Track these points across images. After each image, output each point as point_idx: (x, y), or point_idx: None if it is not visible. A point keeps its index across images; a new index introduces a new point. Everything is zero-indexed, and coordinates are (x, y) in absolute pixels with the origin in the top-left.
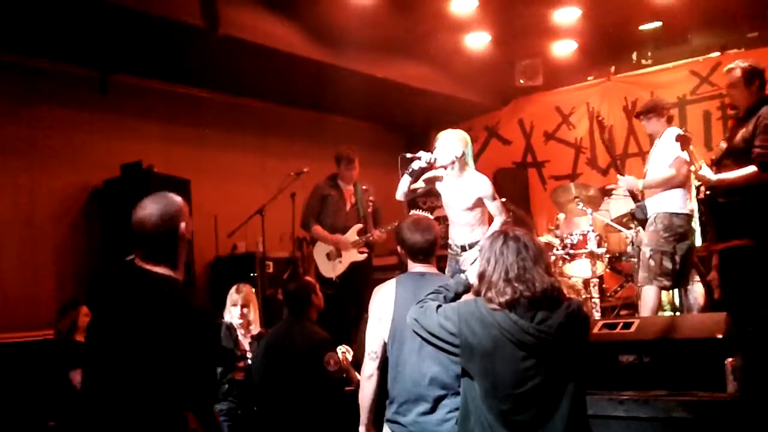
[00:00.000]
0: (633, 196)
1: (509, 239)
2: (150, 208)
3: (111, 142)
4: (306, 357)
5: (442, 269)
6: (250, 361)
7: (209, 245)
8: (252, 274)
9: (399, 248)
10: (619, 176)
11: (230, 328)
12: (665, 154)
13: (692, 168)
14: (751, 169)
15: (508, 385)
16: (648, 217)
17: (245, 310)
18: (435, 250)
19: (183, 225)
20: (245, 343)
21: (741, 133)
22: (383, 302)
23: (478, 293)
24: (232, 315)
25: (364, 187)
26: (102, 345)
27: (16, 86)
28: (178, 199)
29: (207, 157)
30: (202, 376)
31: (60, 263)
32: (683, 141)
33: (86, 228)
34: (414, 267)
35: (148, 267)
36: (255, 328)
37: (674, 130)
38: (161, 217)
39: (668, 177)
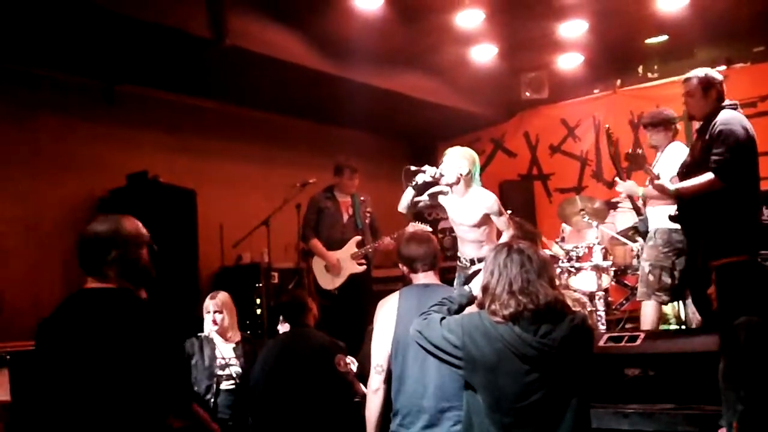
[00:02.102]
0: (636, 209)
1: (513, 252)
2: (95, 227)
3: (117, 152)
4: (319, 358)
5: (450, 281)
6: (238, 369)
7: (214, 255)
8: (257, 285)
9: (399, 264)
10: (619, 181)
11: (203, 341)
12: (668, 167)
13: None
14: (709, 176)
15: (511, 398)
16: (648, 231)
17: (218, 315)
18: (436, 261)
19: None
20: (227, 350)
21: (700, 144)
22: (387, 315)
23: (482, 306)
24: (206, 323)
25: (362, 198)
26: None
27: (23, 96)
28: (125, 222)
29: (213, 168)
30: (168, 376)
31: (65, 272)
32: (635, 160)
33: None
34: (417, 279)
35: (92, 285)
36: (235, 336)
37: (678, 145)
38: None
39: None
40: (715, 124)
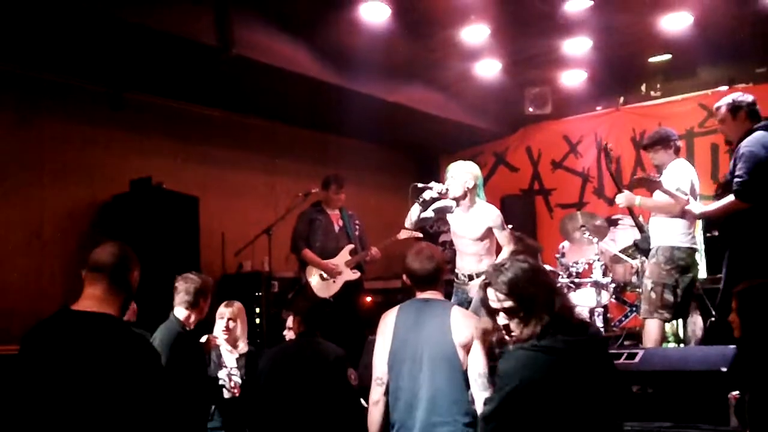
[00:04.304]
0: (639, 226)
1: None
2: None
3: (122, 158)
4: (336, 368)
5: (448, 295)
6: (238, 380)
7: (216, 263)
8: (257, 293)
9: (404, 277)
10: (618, 194)
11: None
12: (671, 184)
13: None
14: (730, 198)
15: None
16: (650, 248)
17: (231, 324)
18: (439, 277)
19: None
20: (231, 359)
21: (731, 166)
22: (386, 328)
23: None
24: (216, 329)
25: (349, 213)
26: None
27: (30, 100)
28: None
29: (216, 176)
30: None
31: (68, 277)
32: (647, 185)
33: (94, 242)
34: (419, 294)
35: (88, 307)
36: (243, 347)
37: (681, 162)
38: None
39: (665, 204)
40: (740, 147)
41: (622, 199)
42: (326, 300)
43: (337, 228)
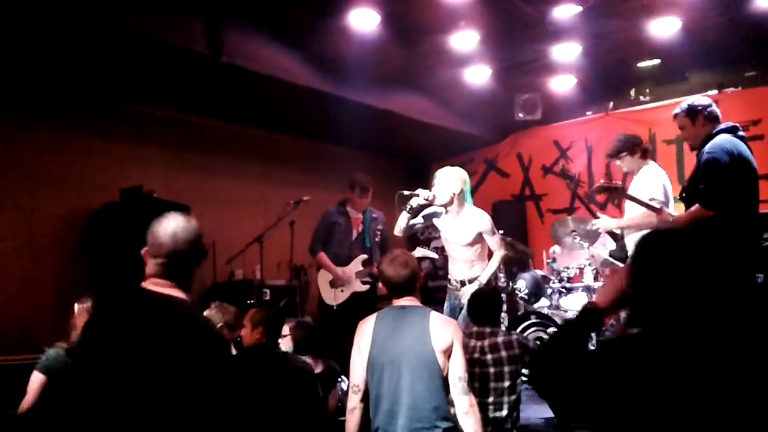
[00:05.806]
0: (613, 236)
1: None
2: (178, 223)
3: (115, 167)
4: (308, 385)
5: (440, 301)
6: None
7: (207, 271)
8: (249, 301)
9: (380, 284)
10: (594, 220)
11: None
12: (641, 191)
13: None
14: (696, 207)
15: None
16: (627, 257)
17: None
18: (414, 284)
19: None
20: None
21: (695, 171)
22: (364, 336)
23: None
24: None
25: (374, 215)
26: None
27: (22, 110)
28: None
29: (208, 184)
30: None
31: (59, 285)
32: (612, 192)
33: (85, 251)
34: (395, 301)
35: (158, 289)
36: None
37: (651, 168)
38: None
39: (643, 220)
40: (702, 152)
41: (600, 224)
42: (330, 307)
43: (354, 234)
